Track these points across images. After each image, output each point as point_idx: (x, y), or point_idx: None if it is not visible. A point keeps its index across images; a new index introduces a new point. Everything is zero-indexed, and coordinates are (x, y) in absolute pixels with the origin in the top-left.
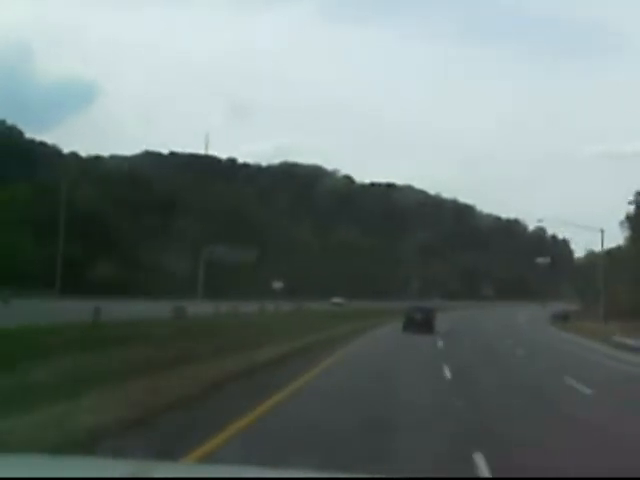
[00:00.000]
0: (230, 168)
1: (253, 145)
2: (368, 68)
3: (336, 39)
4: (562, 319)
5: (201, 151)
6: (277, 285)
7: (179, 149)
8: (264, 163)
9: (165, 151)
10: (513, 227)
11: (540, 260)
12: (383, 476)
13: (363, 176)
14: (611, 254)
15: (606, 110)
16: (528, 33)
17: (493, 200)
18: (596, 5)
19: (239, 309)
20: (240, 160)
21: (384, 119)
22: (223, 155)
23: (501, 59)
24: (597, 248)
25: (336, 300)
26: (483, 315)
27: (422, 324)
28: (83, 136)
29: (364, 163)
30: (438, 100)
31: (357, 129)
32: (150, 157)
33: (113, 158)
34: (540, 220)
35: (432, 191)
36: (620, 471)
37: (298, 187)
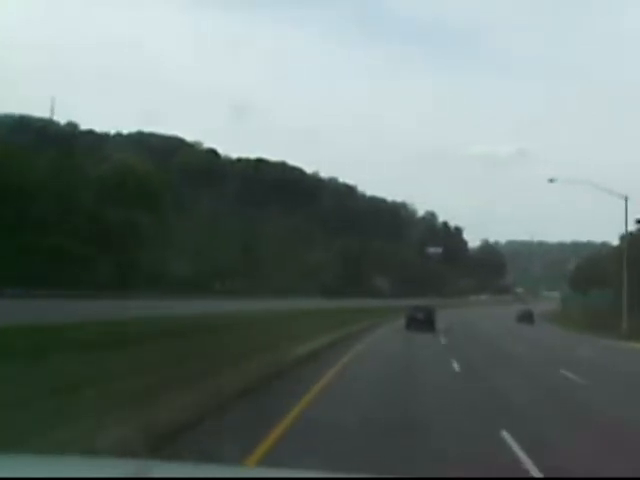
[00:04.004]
0: (69, 134)
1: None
2: (238, 50)
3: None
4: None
5: (42, 115)
6: None
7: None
8: (113, 131)
9: None
10: (400, 211)
11: (432, 250)
12: (383, 476)
13: (232, 152)
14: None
15: (487, 114)
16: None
17: (378, 183)
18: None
19: None
20: (83, 127)
21: (259, 96)
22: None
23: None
24: (492, 239)
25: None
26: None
27: (423, 322)
28: None
29: (233, 139)
30: (323, 80)
31: (227, 106)
32: None
33: None
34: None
35: (309, 169)
36: None
37: (152, 158)
